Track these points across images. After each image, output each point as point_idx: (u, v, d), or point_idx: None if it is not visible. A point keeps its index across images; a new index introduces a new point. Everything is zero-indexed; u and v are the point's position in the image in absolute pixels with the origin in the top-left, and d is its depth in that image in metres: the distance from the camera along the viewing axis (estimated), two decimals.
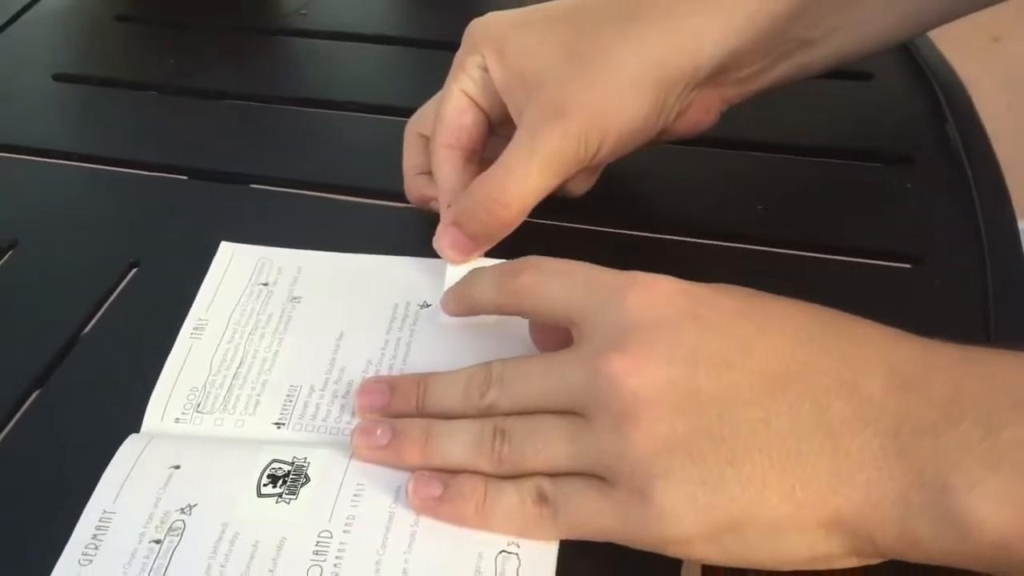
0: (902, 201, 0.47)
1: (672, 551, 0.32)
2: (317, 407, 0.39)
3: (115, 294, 0.45)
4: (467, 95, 0.43)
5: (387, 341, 0.41)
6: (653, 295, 0.34)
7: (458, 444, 0.35)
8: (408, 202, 0.47)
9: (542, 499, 0.34)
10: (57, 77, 0.61)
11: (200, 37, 0.65)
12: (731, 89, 0.44)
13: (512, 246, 0.41)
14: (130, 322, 0.44)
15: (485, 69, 0.43)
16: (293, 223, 0.48)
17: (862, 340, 0.32)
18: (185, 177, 0.53)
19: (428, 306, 0.43)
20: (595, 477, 0.33)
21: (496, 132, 0.44)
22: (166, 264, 0.47)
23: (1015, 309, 0.41)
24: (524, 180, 0.40)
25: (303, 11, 0.66)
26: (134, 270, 0.46)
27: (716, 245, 0.46)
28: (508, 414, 0.35)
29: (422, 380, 0.38)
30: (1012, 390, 0.29)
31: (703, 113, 0.45)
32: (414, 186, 0.47)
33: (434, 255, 0.43)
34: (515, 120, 0.42)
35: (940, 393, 0.30)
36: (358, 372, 0.40)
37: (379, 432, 0.36)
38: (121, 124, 0.58)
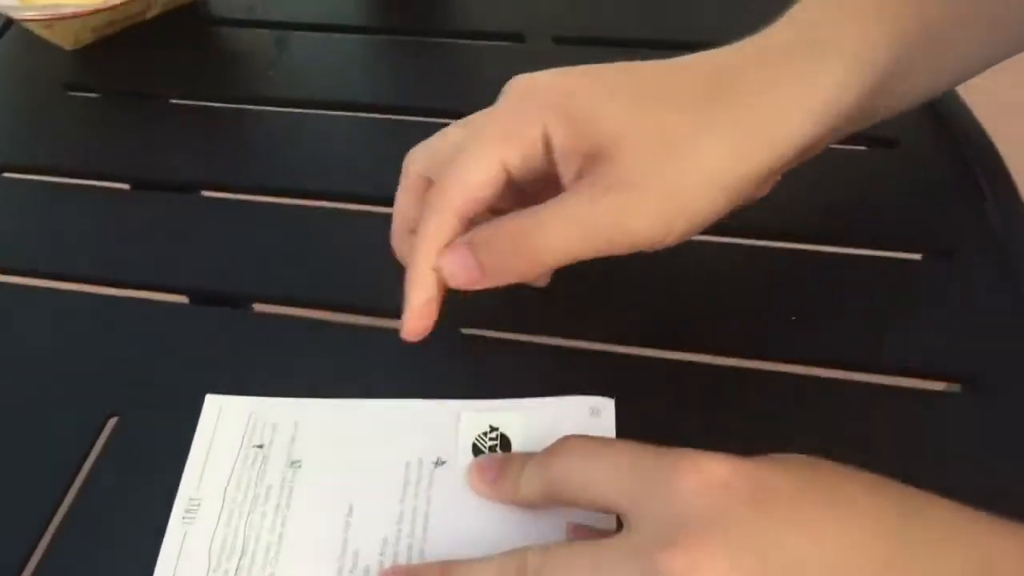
0: (944, 304, 0.43)
1: None
2: None
3: (91, 458, 0.41)
4: (507, 169, 0.38)
5: (402, 512, 0.37)
6: (704, 480, 0.30)
7: None
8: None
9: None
10: (5, 168, 0.55)
11: (161, 108, 0.58)
12: (795, 161, 0.40)
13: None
14: (110, 499, 0.39)
15: (545, 139, 0.37)
16: (288, 352, 0.44)
17: (948, 531, 0.30)
18: (186, 300, 0.48)
19: (443, 463, 0.39)
20: None
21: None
22: (143, 415, 0.42)
23: None
24: (570, 237, 0.36)
25: (270, 72, 0.60)
26: (113, 419, 0.42)
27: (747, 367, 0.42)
28: None
29: (444, 570, 0.34)
30: None
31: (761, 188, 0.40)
32: (404, 245, 0.41)
33: (443, 396, 0.40)
34: (563, 181, 0.37)
35: None
36: (375, 556, 0.36)
37: None
38: (92, 226, 0.52)
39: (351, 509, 0.38)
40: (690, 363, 0.41)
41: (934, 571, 0.29)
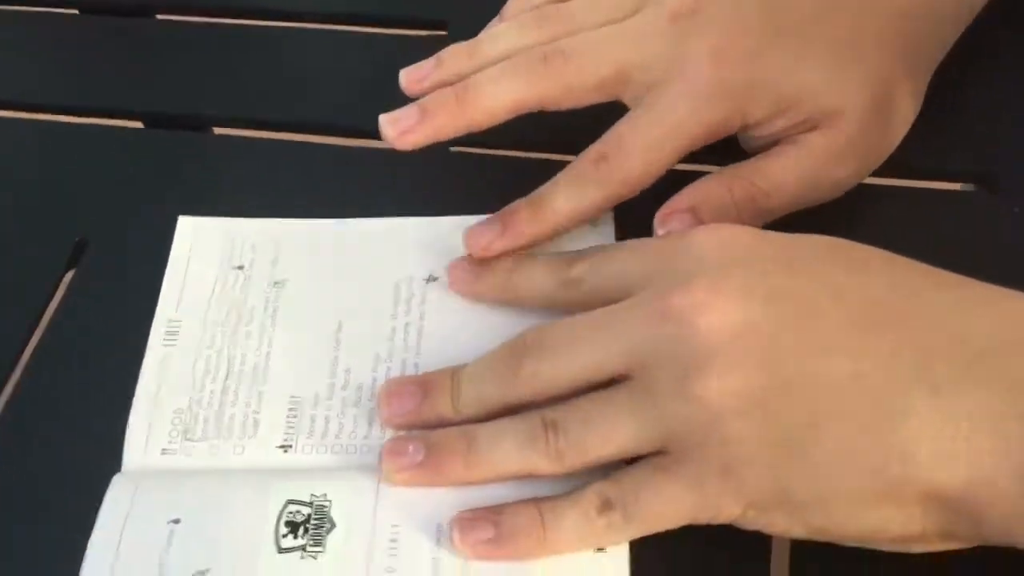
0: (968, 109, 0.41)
1: (752, 525, 0.29)
2: (327, 421, 0.34)
3: (61, 289, 0.38)
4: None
5: (394, 329, 0.36)
6: (725, 236, 0.31)
7: (507, 447, 0.30)
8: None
9: (607, 506, 0.29)
10: None
11: None
12: None
13: None
14: (85, 324, 0.37)
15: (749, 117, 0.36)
16: (259, 175, 0.41)
17: (970, 295, 0.29)
18: (140, 124, 0.45)
19: (435, 279, 0.37)
20: (661, 455, 0.29)
21: None
22: (114, 242, 0.40)
23: None
24: (798, 197, 0.36)
25: None
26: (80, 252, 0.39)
27: None
28: (553, 396, 0.31)
29: (454, 373, 0.33)
30: None
31: None
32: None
33: (431, 213, 0.38)
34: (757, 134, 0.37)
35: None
36: (367, 372, 0.35)
37: (411, 449, 0.31)
38: (47, 55, 0.49)
39: (340, 326, 0.36)
40: (690, 172, 0.39)
41: (956, 325, 0.28)
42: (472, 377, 0.32)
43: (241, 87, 0.45)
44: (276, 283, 0.37)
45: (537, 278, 0.34)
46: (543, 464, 0.30)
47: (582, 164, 0.35)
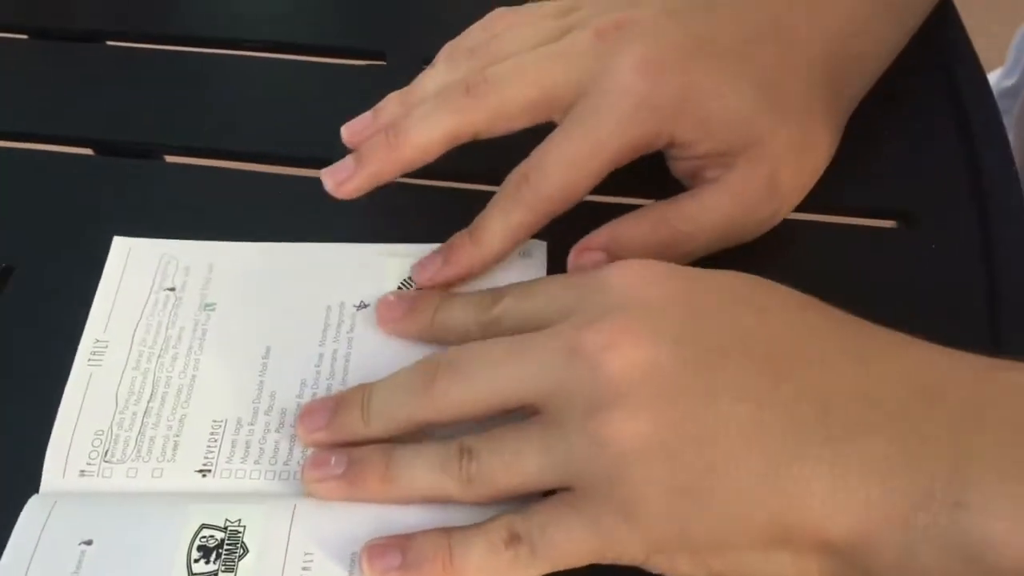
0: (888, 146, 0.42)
1: (658, 568, 0.29)
2: (247, 446, 0.34)
3: None
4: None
5: (322, 355, 0.36)
6: (639, 274, 0.31)
7: (422, 467, 0.31)
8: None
9: (514, 539, 0.29)
10: None
11: None
12: None
13: None
14: (8, 348, 0.37)
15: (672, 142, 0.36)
16: (195, 203, 0.42)
17: (874, 344, 0.29)
18: (90, 152, 0.45)
19: (365, 306, 0.37)
20: (570, 492, 0.29)
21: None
22: (47, 266, 0.39)
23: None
24: (715, 239, 0.36)
25: None
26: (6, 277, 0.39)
27: None
28: (462, 418, 0.31)
29: (367, 388, 0.33)
30: None
31: None
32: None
33: (362, 240, 0.38)
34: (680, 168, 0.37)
35: (958, 401, 0.27)
36: (292, 398, 0.35)
37: (333, 461, 0.31)
38: None
39: (268, 351, 0.36)
40: (621, 206, 0.39)
41: (858, 372, 0.28)
42: (383, 391, 0.33)
43: (186, 114, 0.45)
44: (207, 306, 0.37)
45: (459, 316, 0.34)
46: (454, 489, 0.30)
47: (508, 186, 0.36)
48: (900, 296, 0.37)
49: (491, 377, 0.31)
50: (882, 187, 0.40)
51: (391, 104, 0.38)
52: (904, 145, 0.42)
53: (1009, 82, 0.67)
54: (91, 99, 0.46)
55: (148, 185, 0.42)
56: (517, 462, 0.30)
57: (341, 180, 0.37)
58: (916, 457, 0.27)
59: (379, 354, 0.36)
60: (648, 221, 0.36)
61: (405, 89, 0.39)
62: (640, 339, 0.28)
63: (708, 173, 0.36)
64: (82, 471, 0.33)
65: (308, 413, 0.33)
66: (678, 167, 0.37)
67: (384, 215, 0.41)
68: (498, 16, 0.40)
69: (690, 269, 0.32)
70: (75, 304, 0.37)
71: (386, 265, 0.38)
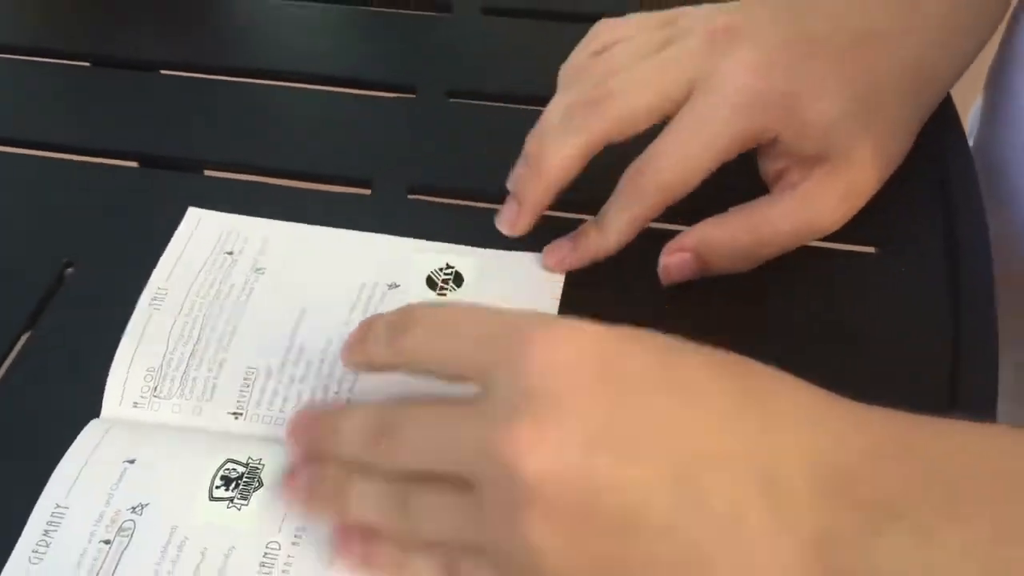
0: None
1: None
2: (274, 393, 0.38)
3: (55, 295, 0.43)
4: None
5: (350, 322, 0.40)
6: (558, 357, 0.29)
7: (366, 507, 0.32)
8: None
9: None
10: None
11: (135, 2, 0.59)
12: None
13: None
14: (80, 313, 0.42)
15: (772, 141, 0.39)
16: (232, 210, 0.45)
17: (784, 419, 0.29)
18: (128, 163, 0.50)
19: (397, 287, 0.41)
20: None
21: None
22: (106, 264, 0.44)
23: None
24: (797, 240, 0.40)
25: None
26: (69, 270, 0.44)
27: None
28: (406, 474, 0.32)
29: (337, 421, 0.33)
30: (955, 479, 0.27)
31: None
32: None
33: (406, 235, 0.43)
34: (770, 170, 0.41)
35: (869, 491, 0.27)
36: (317, 352, 0.39)
37: (300, 479, 0.34)
38: (55, 103, 0.53)
39: (303, 312, 0.40)
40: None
41: (766, 465, 0.28)
42: (345, 427, 0.33)
43: (230, 135, 0.50)
44: (257, 269, 0.42)
45: (378, 342, 0.33)
46: (387, 533, 0.32)
47: (624, 180, 0.39)
48: (877, 314, 0.40)
49: (423, 448, 0.31)
50: (863, 214, 0.41)
51: (529, 142, 0.41)
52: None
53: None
54: (141, 119, 0.51)
55: (189, 195, 0.46)
56: (440, 530, 0.31)
57: (511, 220, 0.41)
58: (828, 561, 0.27)
59: None
60: (733, 226, 0.39)
61: (537, 123, 0.41)
62: (556, 440, 0.28)
63: (793, 176, 0.39)
64: (135, 403, 0.38)
65: (296, 426, 0.34)
66: (769, 167, 0.40)
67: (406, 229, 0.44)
68: (604, 27, 0.42)
69: (606, 340, 0.30)
70: (129, 289, 0.41)
71: (414, 259, 0.42)
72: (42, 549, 0.34)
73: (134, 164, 0.50)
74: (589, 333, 0.30)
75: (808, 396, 0.29)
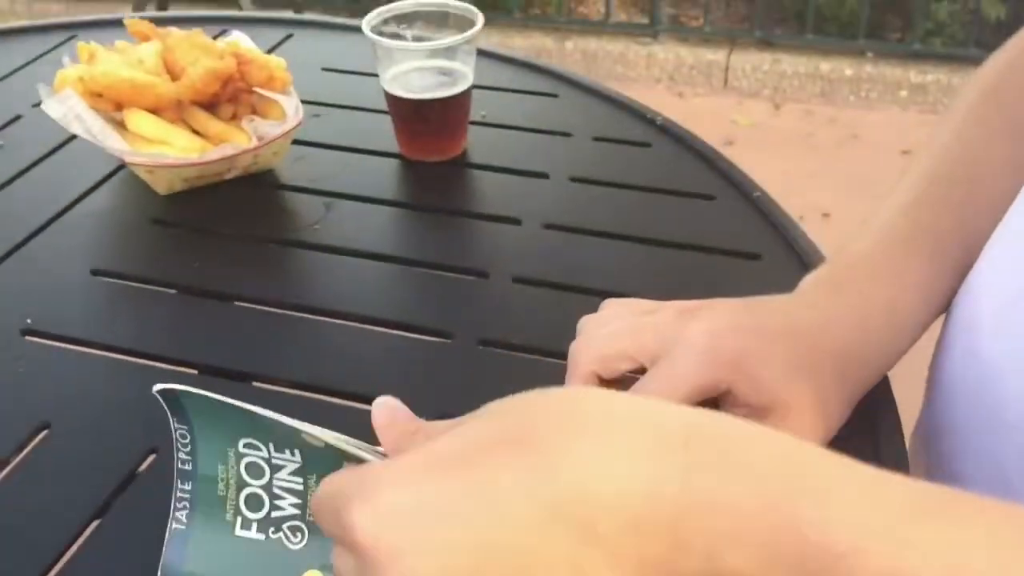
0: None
1: None
2: None
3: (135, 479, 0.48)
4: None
5: None
6: (387, 536, 0.33)
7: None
8: None
9: None
10: (95, 272, 0.66)
11: (224, 243, 0.70)
12: None
13: None
14: (151, 504, 0.46)
15: (726, 390, 0.46)
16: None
17: (583, 482, 0.32)
18: (196, 372, 0.58)
19: None
20: None
21: None
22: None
23: None
24: None
25: (316, 226, 0.70)
26: (152, 456, 0.50)
27: None
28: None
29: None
30: (735, 510, 0.31)
31: None
32: None
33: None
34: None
35: (663, 528, 0.31)
36: None
37: None
38: (146, 319, 0.63)
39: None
40: None
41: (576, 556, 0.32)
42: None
43: (281, 356, 0.59)
44: None
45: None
46: None
47: None
48: None
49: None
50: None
51: None
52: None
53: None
54: (209, 337, 0.60)
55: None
56: None
57: None
58: None
59: None
60: None
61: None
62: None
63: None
64: None
65: None
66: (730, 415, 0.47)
67: None
68: (610, 302, 0.52)
69: (429, 446, 0.35)
70: None
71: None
72: None
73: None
74: (404, 473, 0.34)
75: (607, 441, 0.33)
